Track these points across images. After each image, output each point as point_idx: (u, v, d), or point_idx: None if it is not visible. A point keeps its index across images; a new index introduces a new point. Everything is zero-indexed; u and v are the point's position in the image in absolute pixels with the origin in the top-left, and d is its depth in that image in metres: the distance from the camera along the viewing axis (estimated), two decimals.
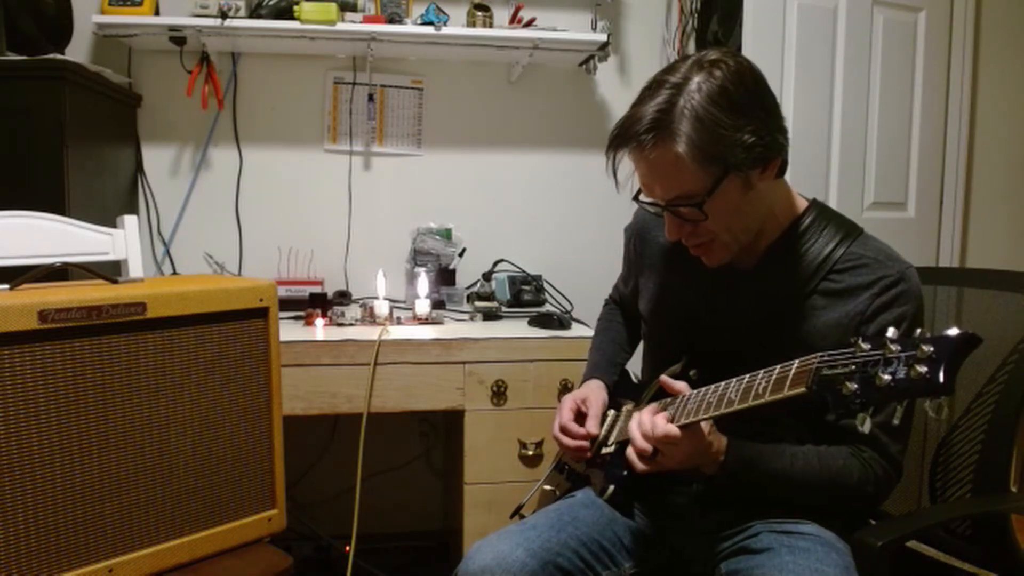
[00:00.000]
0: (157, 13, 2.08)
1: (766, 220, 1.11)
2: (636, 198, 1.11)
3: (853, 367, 0.80)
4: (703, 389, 1.03)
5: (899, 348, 0.78)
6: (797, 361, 0.89)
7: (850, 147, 2.45)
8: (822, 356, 0.85)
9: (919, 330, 0.78)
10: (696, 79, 1.00)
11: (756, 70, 1.04)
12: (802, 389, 0.85)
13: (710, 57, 1.02)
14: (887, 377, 0.77)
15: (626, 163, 1.06)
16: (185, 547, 1.19)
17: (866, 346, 0.81)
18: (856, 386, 0.79)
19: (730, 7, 2.32)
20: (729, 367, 1.02)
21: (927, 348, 0.75)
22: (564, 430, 1.29)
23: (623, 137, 1.03)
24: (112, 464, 1.11)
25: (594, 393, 1.33)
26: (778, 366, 0.92)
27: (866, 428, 0.80)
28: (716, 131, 0.98)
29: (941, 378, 0.74)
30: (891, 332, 0.80)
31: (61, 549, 1.06)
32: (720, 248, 1.09)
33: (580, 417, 1.30)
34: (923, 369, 0.75)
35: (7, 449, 1.01)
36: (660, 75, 1.04)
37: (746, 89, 1.01)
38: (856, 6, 2.42)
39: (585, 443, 1.27)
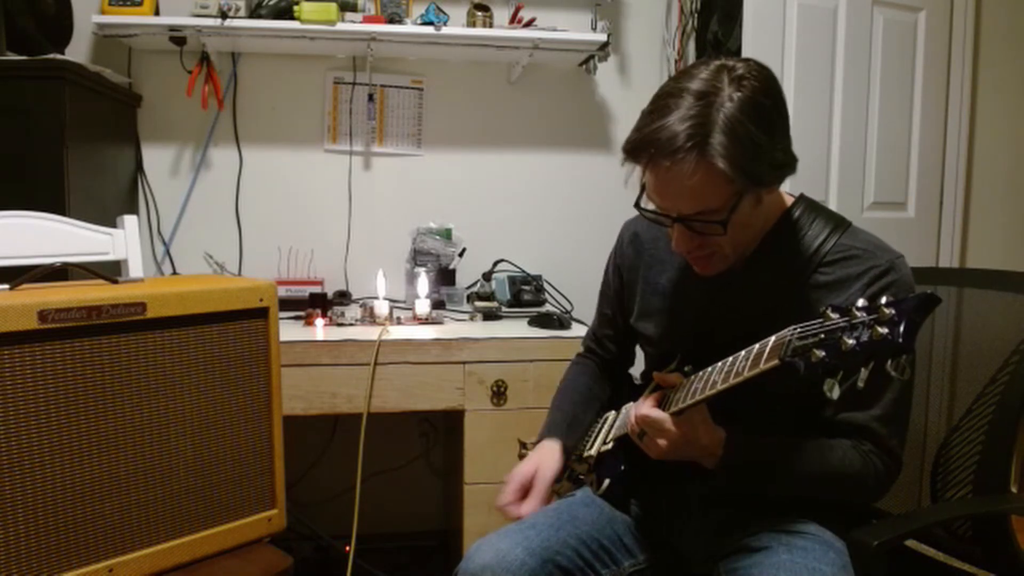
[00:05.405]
0: (157, 13, 2.09)
1: (760, 226, 1.12)
2: (637, 205, 1.09)
3: (823, 335, 0.83)
4: (692, 378, 1.05)
5: (864, 314, 0.81)
6: (774, 336, 0.92)
7: (850, 147, 2.46)
8: (794, 329, 0.88)
9: (885, 297, 0.81)
10: (728, 90, 0.96)
11: (777, 81, 1.02)
12: (776, 361, 0.88)
13: (737, 72, 0.98)
14: (851, 341, 0.80)
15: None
16: (185, 547, 1.19)
17: (835, 316, 0.83)
18: (823, 353, 0.82)
19: (730, 7, 2.32)
20: None
21: (889, 311, 0.79)
22: (502, 507, 1.23)
23: (656, 150, 0.97)
24: (112, 464, 1.11)
25: (544, 466, 1.23)
26: (757, 344, 0.94)
27: (835, 395, 0.82)
28: (752, 148, 0.96)
29: (900, 337, 0.77)
30: (860, 301, 0.82)
31: (61, 549, 1.06)
32: (719, 260, 1.10)
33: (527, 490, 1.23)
34: (884, 331, 0.78)
35: (7, 449, 1.01)
36: (680, 83, 1.00)
37: (776, 104, 1.00)
38: (856, 6, 2.42)
39: (517, 515, 1.21)
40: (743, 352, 0.96)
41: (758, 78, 0.99)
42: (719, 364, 1.00)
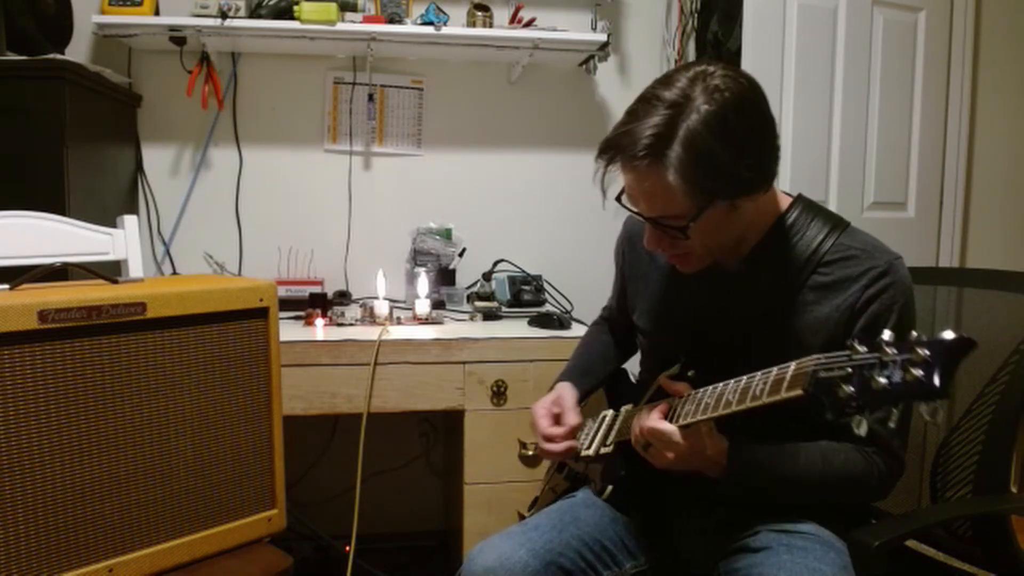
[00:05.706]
0: (157, 13, 2.09)
1: (747, 229, 1.11)
2: (619, 199, 1.10)
3: (850, 370, 0.80)
4: (701, 390, 1.03)
5: (895, 352, 0.78)
6: (794, 363, 0.89)
7: (850, 147, 2.45)
8: (818, 359, 0.85)
9: (915, 333, 0.78)
10: (697, 102, 0.96)
11: (759, 93, 1.01)
12: (798, 391, 0.85)
13: (713, 82, 0.97)
14: (883, 380, 0.77)
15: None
16: (185, 547, 1.19)
17: (862, 349, 0.81)
18: (852, 389, 0.79)
19: (730, 7, 2.32)
20: (726, 367, 1.02)
21: (922, 351, 0.75)
22: (547, 438, 1.26)
23: (616, 153, 1.01)
24: (112, 464, 1.11)
25: (564, 390, 1.30)
26: (775, 368, 0.92)
27: (862, 431, 0.80)
28: (712, 164, 0.96)
29: (936, 382, 0.74)
30: (887, 335, 0.79)
31: (61, 549, 1.06)
32: (695, 260, 1.10)
33: (557, 419, 1.28)
34: (919, 372, 0.75)
35: (7, 449, 1.01)
36: (657, 89, 1.01)
37: (748, 120, 0.98)
38: (856, 6, 2.42)
39: (572, 443, 1.25)
40: (759, 374, 0.94)
41: (734, 90, 0.97)
42: (732, 382, 0.98)
